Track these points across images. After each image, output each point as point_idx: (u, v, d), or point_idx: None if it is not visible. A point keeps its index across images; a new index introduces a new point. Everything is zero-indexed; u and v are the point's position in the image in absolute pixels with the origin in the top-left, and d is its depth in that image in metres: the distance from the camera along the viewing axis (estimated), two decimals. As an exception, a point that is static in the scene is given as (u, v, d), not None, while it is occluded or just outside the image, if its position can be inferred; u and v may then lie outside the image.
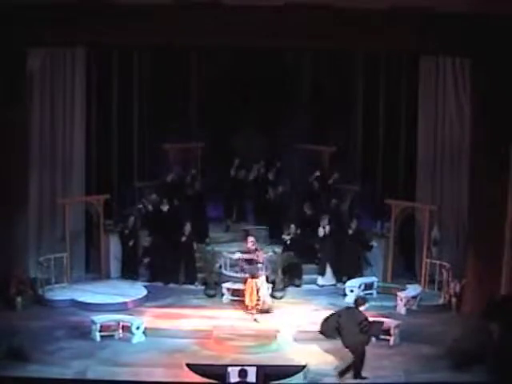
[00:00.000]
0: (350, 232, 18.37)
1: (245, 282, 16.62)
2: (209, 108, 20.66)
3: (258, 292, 16.30)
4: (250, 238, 16.89)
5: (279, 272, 17.60)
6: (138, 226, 18.58)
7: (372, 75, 19.85)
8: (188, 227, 17.95)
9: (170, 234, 18.25)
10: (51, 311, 16.74)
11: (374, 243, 18.53)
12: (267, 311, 16.53)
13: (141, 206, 19.02)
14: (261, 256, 16.61)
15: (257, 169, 20.09)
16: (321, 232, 18.20)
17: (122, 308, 16.67)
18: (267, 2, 15.64)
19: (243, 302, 16.62)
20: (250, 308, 16.34)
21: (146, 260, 18.21)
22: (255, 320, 16.16)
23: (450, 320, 16.61)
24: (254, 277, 16.35)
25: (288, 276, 17.93)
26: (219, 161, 20.51)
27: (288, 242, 18.17)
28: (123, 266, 18.49)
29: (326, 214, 18.44)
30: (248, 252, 16.64)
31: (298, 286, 18.10)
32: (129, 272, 18.37)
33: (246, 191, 20.04)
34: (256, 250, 16.67)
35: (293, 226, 18.28)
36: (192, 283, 18.00)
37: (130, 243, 18.27)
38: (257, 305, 16.28)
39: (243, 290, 16.68)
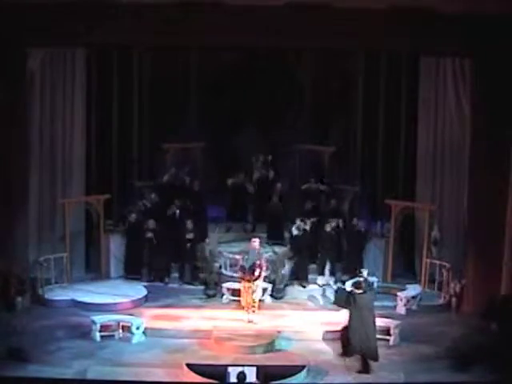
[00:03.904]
0: (356, 229, 18.38)
1: (240, 282, 16.55)
2: (209, 108, 20.66)
3: (253, 294, 16.25)
4: (256, 239, 16.85)
5: (279, 272, 17.60)
6: (140, 225, 18.55)
7: (372, 75, 19.85)
8: (189, 226, 17.95)
9: (171, 233, 18.27)
10: (51, 311, 16.72)
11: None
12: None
13: (141, 204, 19.01)
14: (263, 258, 16.58)
15: (257, 170, 20.06)
16: (327, 228, 18.14)
17: (121, 308, 16.66)
18: (267, 1, 15.65)
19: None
20: (246, 309, 16.30)
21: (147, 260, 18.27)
22: (250, 322, 16.05)
23: (449, 320, 16.62)
24: (250, 279, 16.31)
25: (294, 277, 17.94)
26: (219, 161, 20.49)
27: (292, 242, 18.09)
28: (126, 266, 18.48)
29: (331, 217, 18.44)
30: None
31: (304, 286, 18.07)
32: (132, 272, 18.36)
33: (247, 192, 20.00)
34: (259, 251, 16.64)
35: (298, 221, 18.16)
36: (192, 283, 17.99)
37: (133, 243, 18.28)
38: (252, 306, 16.23)
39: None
